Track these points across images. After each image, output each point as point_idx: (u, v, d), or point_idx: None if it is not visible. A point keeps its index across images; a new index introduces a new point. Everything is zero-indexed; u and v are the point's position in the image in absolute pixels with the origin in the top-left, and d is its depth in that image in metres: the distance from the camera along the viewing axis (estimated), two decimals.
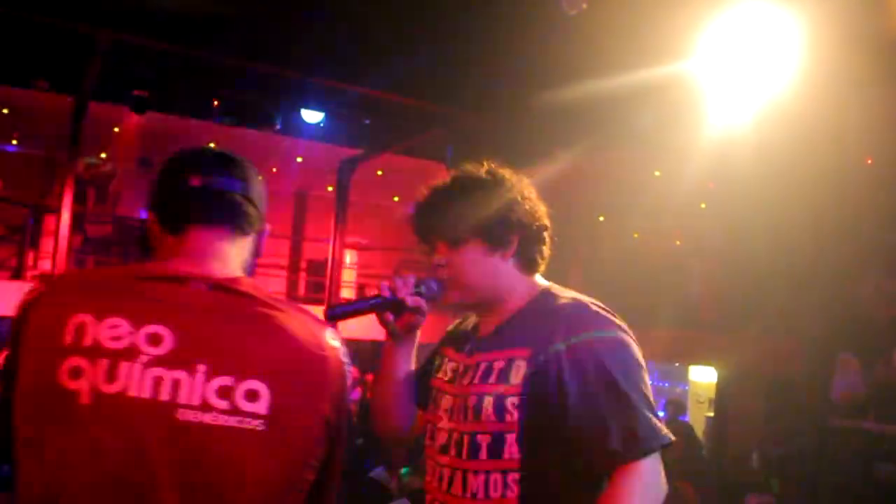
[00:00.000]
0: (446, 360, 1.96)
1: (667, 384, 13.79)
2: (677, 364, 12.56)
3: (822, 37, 5.37)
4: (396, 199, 12.12)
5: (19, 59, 7.89)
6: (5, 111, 9.77)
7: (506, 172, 1.91)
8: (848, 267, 7.91)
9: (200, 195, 1.48)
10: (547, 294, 1.87)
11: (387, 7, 6.30)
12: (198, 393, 1.32)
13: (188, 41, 7.32)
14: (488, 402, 1.75)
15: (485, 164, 1.93)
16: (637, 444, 1.65)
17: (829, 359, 7.54)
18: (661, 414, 1.74)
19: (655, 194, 9.79)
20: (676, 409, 10.23)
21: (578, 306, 1.81)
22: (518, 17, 5.96)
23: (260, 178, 1.59)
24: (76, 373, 1.29)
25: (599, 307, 1.82)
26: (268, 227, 1.60)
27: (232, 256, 1.49)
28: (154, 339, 1.33)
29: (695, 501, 6.35)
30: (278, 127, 9.40)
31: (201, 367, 1.33)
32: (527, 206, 1.87)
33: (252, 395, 1.34)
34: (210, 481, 1.31)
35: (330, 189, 12.90)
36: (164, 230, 1.49)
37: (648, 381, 1.75)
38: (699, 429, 10.33)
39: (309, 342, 1.42)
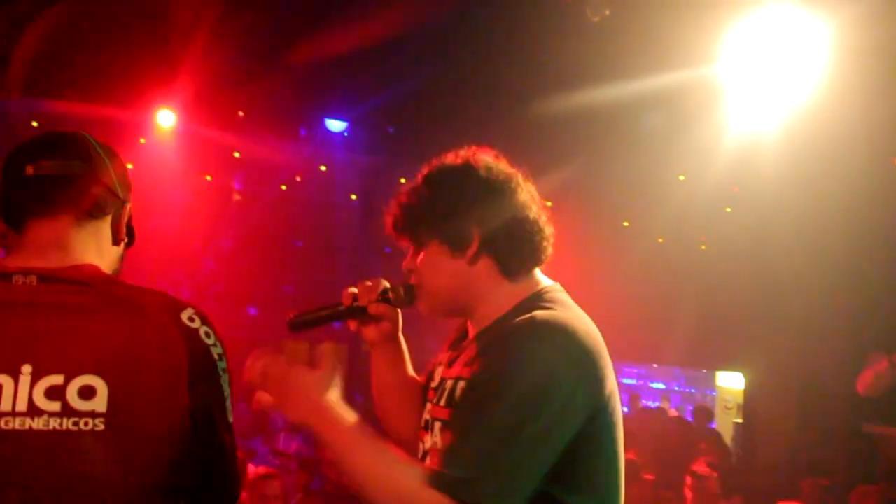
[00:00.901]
0: (438, 367, 1.81)
1: (693, 390, 13.67)
2: (704, 370, 12.45)
3: (850, 40, 5.31)
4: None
5: (46, 70, 7.98)
6: (34, 123, 9.88)
7: (481, 159, 1.67)
8: (877, 269, 7.81)
9: (35, 184, 1.35)
10: (528, 303, 1.60)
11: (405, 17, 6.32)
12: (24, 397, 1.20)
13: (213, 52, 7.39)
14: (437, 427, 1.64)
15: (463, 151, 1.71)
16: (441, 478, 1.40)
17: (862, 363, 7.44)
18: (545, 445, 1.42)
19: (680, 198, 9.72)
20: (706, 416, 10.13)
21: (520, 326, 1.53)
22: (540, 23, 5.96)
23: (111, 154, 1.43)
24: None
25: (550, 324, 1.52)
26: (128, 205, 1.46)
27: (78, 243, 1.37)
28: None
29: None
30: (303, 135, 9.45)
31: (26, 369, 1.21)
32: (494, 197, 1.61)
33: (87, 392, 1.21)
34: (51, 493, 1.18)
35: (354, 197, 12.96)
36: (9, 227, 1.39)
37: (539, 412, 1.42)
38: (727, 435, 10.22)
39: (157, 327, 1.29)
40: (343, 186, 13.03)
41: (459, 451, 1.42)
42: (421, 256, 1.68)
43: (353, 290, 1.78)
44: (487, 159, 1.69)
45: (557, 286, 1.69)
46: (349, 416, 1.49)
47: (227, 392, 1.37)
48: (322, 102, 8.68)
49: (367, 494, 1.43)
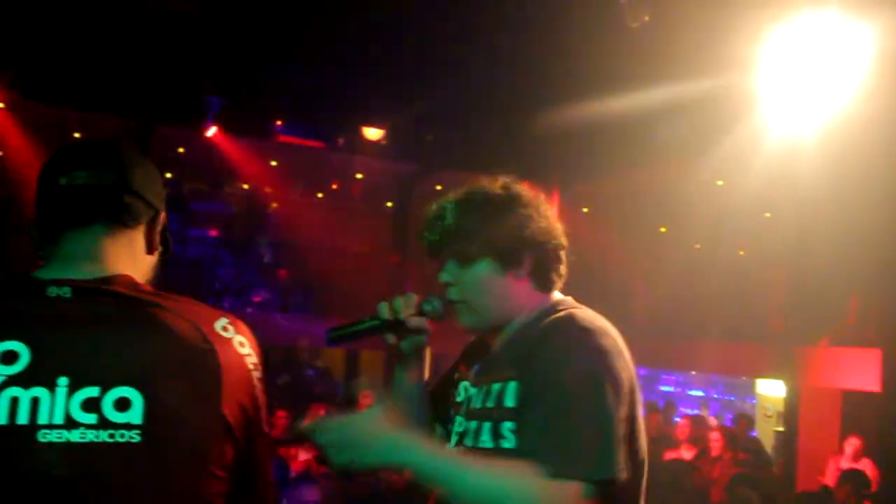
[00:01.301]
0: (461, 378, 1.88)
1: (733, 398, 13.51)
2: (744, 378, 12.30)
3: (891, 44, 5.25)
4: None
5: (91, 85, 8.16)
6: (77, 135, 10.10)
7: (522, 188, 1.80)
8: None
9: (67, 195, 1.35)
10: (550, 310, 1.72)
11: (443, 25, 6.36)
12: (60, 410, 1.20)
13: (251, 63, 7.51)
14: (487, 427, 1.68)
15: (500, 179, 1.81)
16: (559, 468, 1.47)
17: None
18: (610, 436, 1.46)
19: (718, 204, 9.64)
20: (747, 422, 10.02)
21: (557, 322, 1.66)
22: (578, 30, 5.96)
23: (144, 163, 1.43)
24: None
25: (584, 322, 1.64)
26: (163, 215, 1.46)
27: (113, 255, 1.36)
28: (8, 358, 1.21)
29: None
30: (340, 144, 9.53)
31: (63, 381, 1.21)
32: (542, 224, 1.75)
33: (122, 404, 1.21)
34: None
35: (390, 205, 13.03)
36: (44, 238, 1.39)
37: (603, 398, 1.53)
38: (767, 444, 10.09)
39: (191, 337, 1.28)
40: (379, 194, 13.13)
41: (559, 439, 1.51)
42: (468, 272, 1.75)
43: (391, 303, 1.81)
44: (526, 188, 1.81)
45: (571, 299, 1.81)
46: (421, 439, 1.56)
47: (262, 402, 1.37)
48: (359, 111, 8.74)
49: None
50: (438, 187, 12.69)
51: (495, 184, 1.81)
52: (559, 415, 1.53)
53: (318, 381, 12.41)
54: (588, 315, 1.68)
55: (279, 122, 9.10)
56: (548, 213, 1.79)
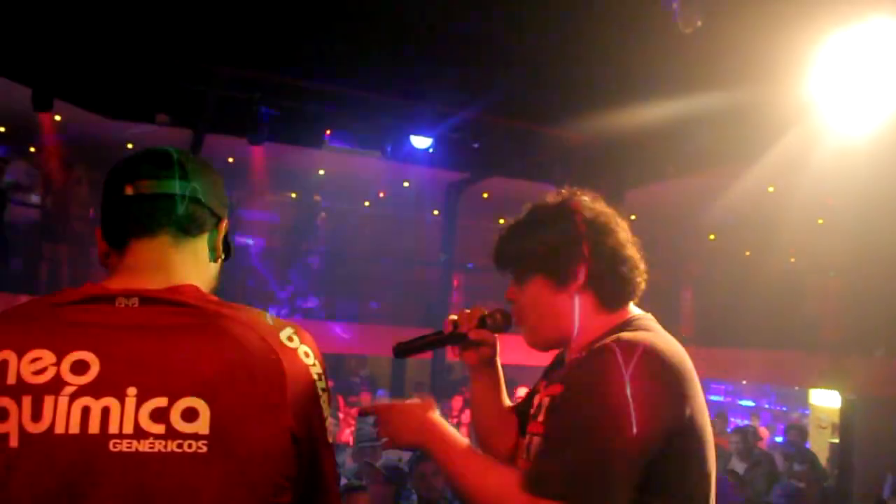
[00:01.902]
0: (536, 391, 1.90)
1: (785, 408, 13.27)
2: (797, 387, 12.07)
3: None
4: (502, 221, 12.18)
5: (141, 95, 8.35)
6: (129, 146, 10.34)
7: (582, 199, 1.76)
8: None
9: (134, 204, 1.37)
10: (617, 328, 1.67)
11: (490, 31, 6.37)
12: (130, 419, 1.21)
13: (301, 74, 7.61)
14: (536, 442, 1.70)
15: (564, 191, 1.80)
16: (533, 483, 1.50)
17: None
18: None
19: (768, 211, 9.50)
20: (800, 434, 9.81)
21: (606, 346, 1.57)
22: (628, 36, 5.93)
23: (207, 170, 1.45)
24: (3, 415, 1.19)
25: (633, 343, 1.56)
26: (226, 222, 1.47)
27: (178, 264, 1.38)
28: (79, 368, 1.23)
29: None
30: (388, 152, 9.59)
31: (131, 391, 1.22)
32: (597, 237, 1.70)
33: (190, 414, 1.23)
34: None
35: (436, 213, 13.07)
36: (110, 247, 1.40)
37: (608, 431, 1.48)
38: (822, 456, 9.87)
39: (257, 347, 1.29)
40: (426, 202, 13.18)
41: (551, 458, 1.52)
42: (524, 290, 1.76)
43: (454, 317, 1.87)
44: (588, 199, 1.78)
45: (649, 315, 1.75)
46: (453, 430, 1.68)
47: (327, 412, 1.37)
48: (407, 119, 8.80)
49: (473, 499, 1.59)
50: (485, 195, 12.73)
51: (555, 197, 1.79)
52: (557, 435, 1.55)
53: (362, 389, 12.48)
54: (637, 339, 1.58)
55: (328, 131, 9.20)
56: (609, 226, 1.74)
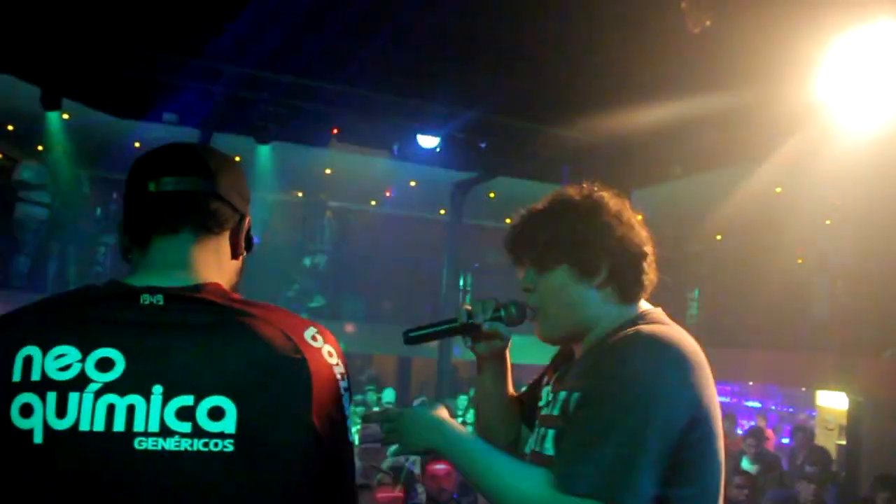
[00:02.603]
0: (546, 383, 1.90)
1: (792, 409, 13.21)
2: (804, 389, 12.02)
3: None
4: (508, 221, 12.17)
5: (148, 94, 8.36)
6: (137, 145, 10.35)
7: (606, 195, 1.79)
8: None
9: (156, 202, 1.36)
10: (632, 322, 1.70)
11: (498, 31, 6.37)
12: (156, 417, 1.20)
13: (309, 73, 7.62)
14: (551, 434, 1.70)
15: (585, 185, 1.82)
16: (566, 481, 1.51)
17: None
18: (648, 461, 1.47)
19: (775, 211, 9.47)
20: (807, 436, 9.79)
21: (625, 337, 1.63)
22: (636, 37, 5.92)
23: (231, 166, 1.44)
24: (27, 410, 1.19)
25: (647, 340, 1.61)
26: (248, 219, 1.47)
27: (201, 261, 1.37)
28: (104, 365, 1.22)
29: None
30: (395, 152, 9.59)
31: (157, 389, 1.22)
32: (622, 232, 1.73)
33: (216, 413, 1.22)
34: None
35: (442, 212, 13.08)
36: (133, 244, 1.39)
37: (638, 422, 1.51)
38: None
39: (281, 346, 1.28)
40: (432, 202, 13.18)
41: (582, 456, 1.52)
42: (545, 279, 1.75)
43: (468, 307, 1.85)
44: (611, 194, 1.80)
45: (659, 310, 1.78)
46: (464, 430, 1.67)
47: (349, 412, 1.38)
48: (414, 119, 8.80)
49: (499, 498, 1.58)
50: (492, 195, 12.73)
51: (578, 191, 1.81)
52: (585, 429, 1.55)
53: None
54: (657, 332, 1.64)
55: (335, 131, 9.20)
56: (631, 222, 1.77)
